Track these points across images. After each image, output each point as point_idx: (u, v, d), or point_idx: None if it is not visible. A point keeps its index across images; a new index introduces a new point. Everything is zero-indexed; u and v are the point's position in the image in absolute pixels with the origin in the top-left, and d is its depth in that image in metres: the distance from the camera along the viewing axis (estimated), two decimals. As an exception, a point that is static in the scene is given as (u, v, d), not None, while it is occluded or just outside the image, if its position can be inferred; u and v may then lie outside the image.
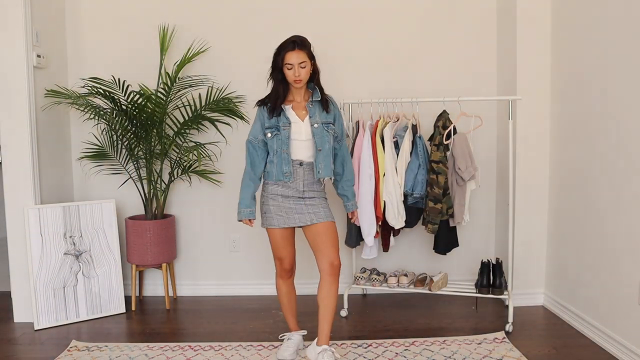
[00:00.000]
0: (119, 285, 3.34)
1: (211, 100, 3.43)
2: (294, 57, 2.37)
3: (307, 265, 3.28)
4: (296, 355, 2.61)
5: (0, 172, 3.80)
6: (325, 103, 2.51)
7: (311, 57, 2.42)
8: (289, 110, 2.48)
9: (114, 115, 3.32)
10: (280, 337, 2.76)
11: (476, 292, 3.10)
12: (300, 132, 2.47)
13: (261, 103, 2.52)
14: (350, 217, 2.78)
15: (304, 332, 2.70)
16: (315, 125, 2.47)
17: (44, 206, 3.14)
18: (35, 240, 3.10)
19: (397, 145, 3.16)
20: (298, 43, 2.38)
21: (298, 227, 2.53)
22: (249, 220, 2.53)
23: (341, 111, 2.84)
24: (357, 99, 3.27)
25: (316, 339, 2.49)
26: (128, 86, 3.24)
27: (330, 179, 2.63)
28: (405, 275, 3.25)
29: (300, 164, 2.47)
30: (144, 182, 3.45)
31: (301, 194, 2.49)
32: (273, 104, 2.46)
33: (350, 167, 2.68)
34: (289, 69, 2.39)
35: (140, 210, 3.61)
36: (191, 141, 3.53)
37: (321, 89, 2.54)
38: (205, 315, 3.29)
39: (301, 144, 2.48)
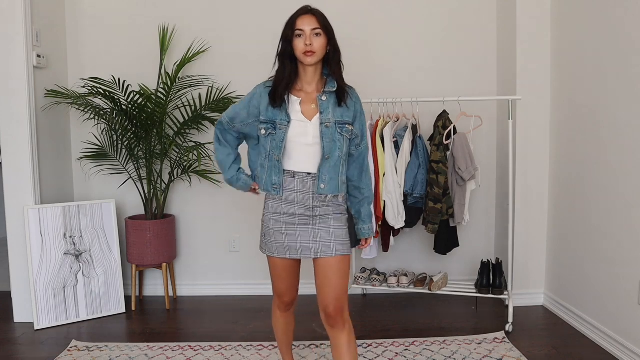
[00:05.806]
0: (119, 285, 3.34)
1: (211, 100, 3.43)
2: (306, 22, 1.86)
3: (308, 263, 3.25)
4: None
5: (0, 172, 3.80)
6: (342, 94, 1.94)
7: (327, 31, 1.90)
8: (294, 104, 1.92)
9: (114, 115, 3.32)
10: None
11: (476, 292, 3.10)
12: (307, 134, 1.90)
13: (267, 85, 1.97)
14: (362, 243, 2.16)
15: None
16: (327, 125, 1.89)
17: (44, 206, 3.14)
18: (35, 240, 3.10)
19: (397, 145, 3.16)
20: (312, 9, 1.92)
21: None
22: (252, 189, 2.08)
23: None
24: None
25: None
26: (128, 86, 3.24)
27: (337, 196, 1.97)
28: (405, 275, 3.25)
29: (309, 173, 1.92)
30: (144, 182, 3.45)
31: (310, 211, 1.93)
32: (274, 87, 1.91)
33: (369, 177, 2.08)
34: (299, 36, 1.86)
35: (140, 210, 3.61)
36: (191, 141, 3.53)
37: (340, 77, 1.95)
38: (205, 315, 3.28)
39: (307, 149, 1.91)
